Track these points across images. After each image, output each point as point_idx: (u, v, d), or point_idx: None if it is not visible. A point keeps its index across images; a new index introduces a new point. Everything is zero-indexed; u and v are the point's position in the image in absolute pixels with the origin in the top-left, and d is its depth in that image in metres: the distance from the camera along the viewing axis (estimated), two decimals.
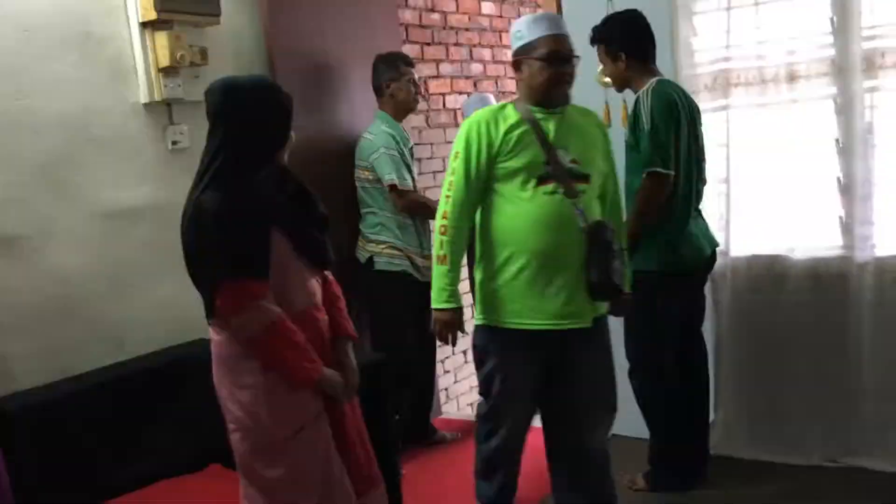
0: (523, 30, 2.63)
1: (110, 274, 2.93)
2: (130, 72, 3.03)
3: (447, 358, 4.60)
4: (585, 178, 2.60)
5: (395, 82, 3.69)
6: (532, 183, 2.54)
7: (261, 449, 2.15)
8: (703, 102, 3.41)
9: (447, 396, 4.60)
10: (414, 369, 3.74)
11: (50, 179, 2.76)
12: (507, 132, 2.56)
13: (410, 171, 3.75)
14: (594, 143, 2.68)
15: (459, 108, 4.84)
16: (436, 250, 2.64)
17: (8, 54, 2.66)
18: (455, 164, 2.61)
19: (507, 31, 5.23)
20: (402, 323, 3.68)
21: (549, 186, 2.54)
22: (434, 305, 2.65)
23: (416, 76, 3.75)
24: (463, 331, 2.74)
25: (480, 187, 2.60)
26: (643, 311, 2.95)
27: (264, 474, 2.14)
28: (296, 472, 2.13)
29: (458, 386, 4.87)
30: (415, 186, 3.81)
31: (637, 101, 3.03)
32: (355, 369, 2.32)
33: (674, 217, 3.01)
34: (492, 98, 4.02)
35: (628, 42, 3.09)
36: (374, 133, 3.65)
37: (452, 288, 2.63)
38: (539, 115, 2.59)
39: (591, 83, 3.62)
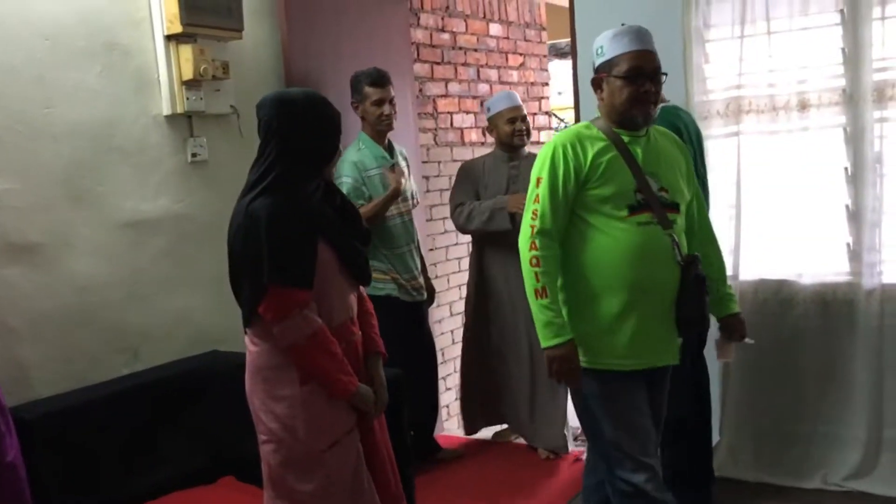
0: (605, 45, 2.44)
1: (128, 284, 2.94)
2: (154, 84, 3.05)
3: (448, 375, 4.61)
4: (675, 207, 2.43)
5: (360, 104, 3.59)
6: (624, 212, 2.34)
7: (295, 462, 2.16)
8: (715, 128, 3.47)
9: (448, 414, 4.61)
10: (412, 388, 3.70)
11: (72, 188, 2.77)
12: (596, 157, 2.35)
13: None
14: (678, 168, 2.50)
15: (466, 127, 4.89)
16: (531, 284, 2.35)
17: (31, 62, 2.68)
18: (539, 191, 2.37)
19: (512, 53, 5.32)
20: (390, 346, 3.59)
21: (644, 216, 2.35)
22: (544, 345, 2.35)
23: (390, 95, 3.57)
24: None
25: (567, 215, 2.38)
26: None
27: (296, 487, 2.15)
28: (328, 485, 2.14)
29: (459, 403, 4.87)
30: (414, 202, 3.76)
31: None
32: (385, 385, 2.34)
33: None
34: (517, 96, 4.01)
35: None
36: (344, 159, 3.48)
37: (559, 321, 2.33)
38: (626, 138, 2.40)
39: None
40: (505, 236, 3.75)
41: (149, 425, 2.83)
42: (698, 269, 2.40)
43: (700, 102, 3.49)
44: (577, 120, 3.86)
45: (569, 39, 3.85)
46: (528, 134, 3.95)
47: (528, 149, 4.00)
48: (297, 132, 2.17)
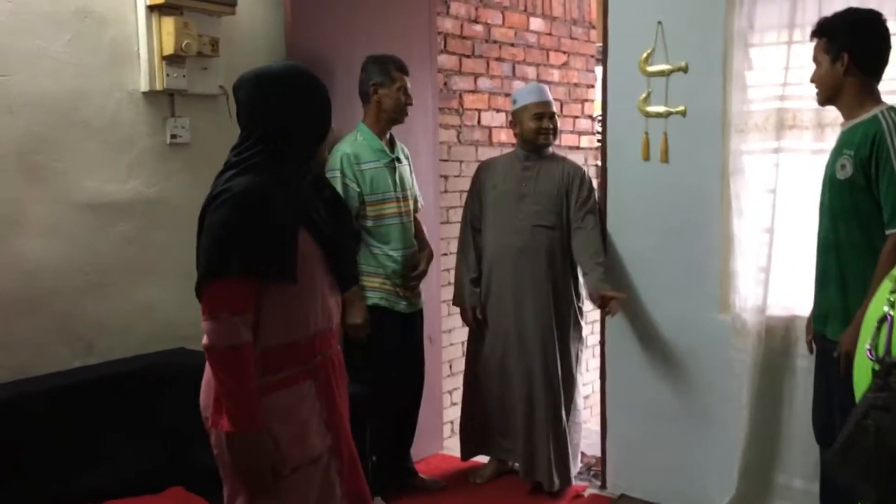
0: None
1: (85, 270, 2.74)
2: (132, 57, 2.85)
3: (455, 389, 4.31)
4: None
5: (383, 88, 3.29)
6: None
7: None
8: (752, 143, 3.11)
9: (452, 430, 4.31)
10: (390, 405, 3.41)
11: (24, 163, 2.57)
12: None
13: (399, 188, 3.35)
14: None
15: (495, 126, 4.58)
16: None
17: None
18: None
19: (555, 51, 4.98)
20: (373, 359, 3.27)
21: None
22: None
23: (409, 85, 3.35)
24: None
25: None
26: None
27: None
28: None
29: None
30: (416, 205, 3.48)
31: (878, 128, 2.43)
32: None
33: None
34: (547, 90, 3.66)
35: (860, 44, 2.52)
36: (337, 150, 3.25)
37: None
38: None
39: (632, 111, 3.36)
40: (513, 259, 3.50)
41: (94, 424, 2.61)
42: None
43: (738, 113, 3.13)
44: (604, 123, 3.53)
45: None
46: (555, 133, 3.61)
47: (554, 150, 3.68)
48: (282, 111, 1.93)
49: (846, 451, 1.69)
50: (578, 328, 3.63)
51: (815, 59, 2.63)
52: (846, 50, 2.52)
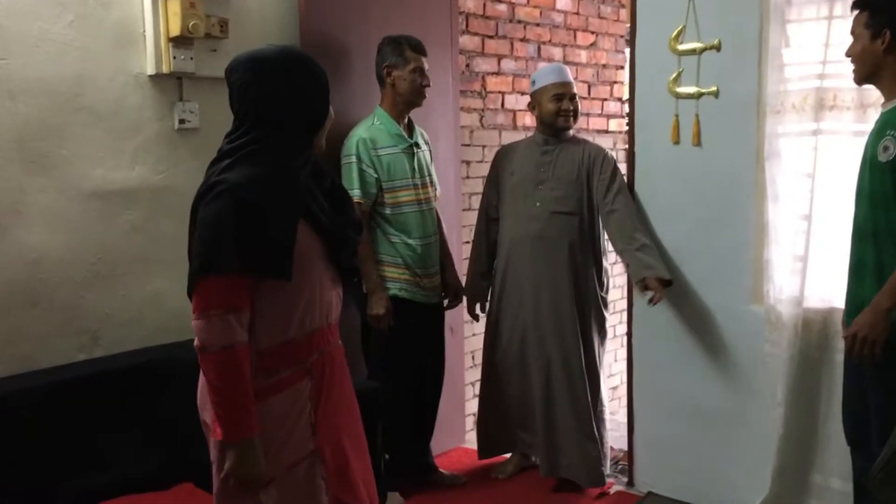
0: None
1: (91, 260, 2.66)
2: (138, 39, 2.74)
3: (478, 381, 4.19)
4: None
5: (396, 69, 3.15)
6: None
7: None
8: (789, 125, 2.94)
9: (474, 423, 4.19)
10: (408, 399, 3.31)
11: (27, 151, 2.48)
12: None
13: (417, 174, 3.23)
14: None
15: (520, 110, 4.43)
16: None
17: None
18: None
19: (582, 31, 4.81)
20: (391, 351, 3.19)
21: None
22: None
23: (426, 66, 3.20)
24: None
25: None
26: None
27: None
28: None
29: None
30: (435, 193, 3.35)
31: None
32: None
33: None
34: (568, 71, 3.50)
35: None
36: (353, 135, 3.15)
37: None
38: None
39: (662, 92, 3.20)
40: (530, 248, 3.37)
41: (101, 419, 2.53)
42: None
43: (774, 93, 2.95)
44: (632, 101, 3.37)
45: None
46: (576, 116, 3.45)
47: (574, 132, 3.53)
48: (277, 97, 1.82)
49: (887, 472, 1.56)
50: (601, 319, 3.47)
51: (853, 33, 2.46)
52: (889, 26, 2.36)
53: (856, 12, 2.44)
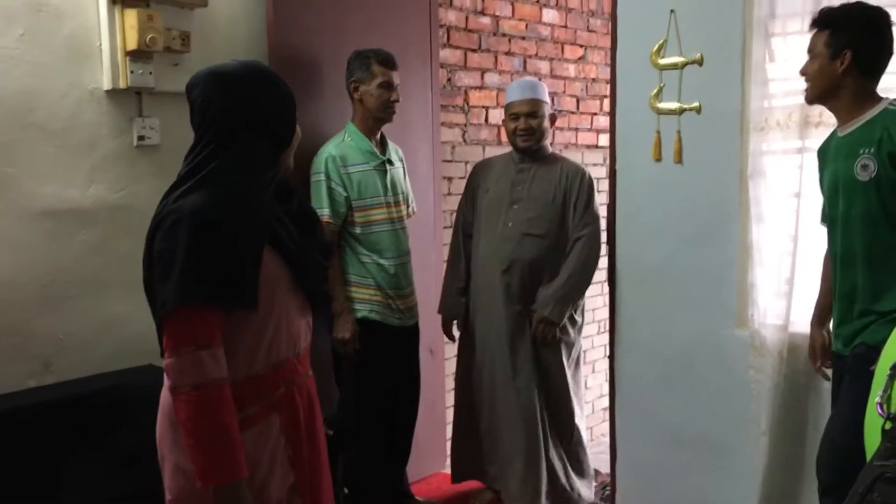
0: None
1: (42, 282, 2.56)
2: (94, 53, 2.65)
3: None
4: None
5: (363, 84, 3.04)
6: None
7: None
8: (774, 142, 2.83)
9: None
10: (381, 426, 3.18)
11: None
12: None
13: (390, 192, 3.13)
14: None
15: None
16: None
17: None
18: None
19: (570, 44, 4.71)
20: (361, 375, 3.07)
21: None
22: None
23: (396, 81, 3.10)
24: None
25: None
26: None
27: None
28: None
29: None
30: (408, 210, 3.27)
31: None
32: None
33: None
34: (538, 87, 3.35)
35: (864, 42, 2.32)
36: (322, 152, 3.04)
37: None
38: None
39: (643, 108, 3.09)
40: (500, 270, 3.26)
41: (54, 449, 2.43)
42: None
43: (758, 109, 2.84)
44: (613, 117, 3.25)
45: None
46: (537, 136, 3.28)
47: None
48: (240, 112, 1.73)
49: None
50: (570, 346, 3.34)
51: (811, 51, 2.40)
52: (850, 47, 2.30)
53: (815, 30, 2.38)
